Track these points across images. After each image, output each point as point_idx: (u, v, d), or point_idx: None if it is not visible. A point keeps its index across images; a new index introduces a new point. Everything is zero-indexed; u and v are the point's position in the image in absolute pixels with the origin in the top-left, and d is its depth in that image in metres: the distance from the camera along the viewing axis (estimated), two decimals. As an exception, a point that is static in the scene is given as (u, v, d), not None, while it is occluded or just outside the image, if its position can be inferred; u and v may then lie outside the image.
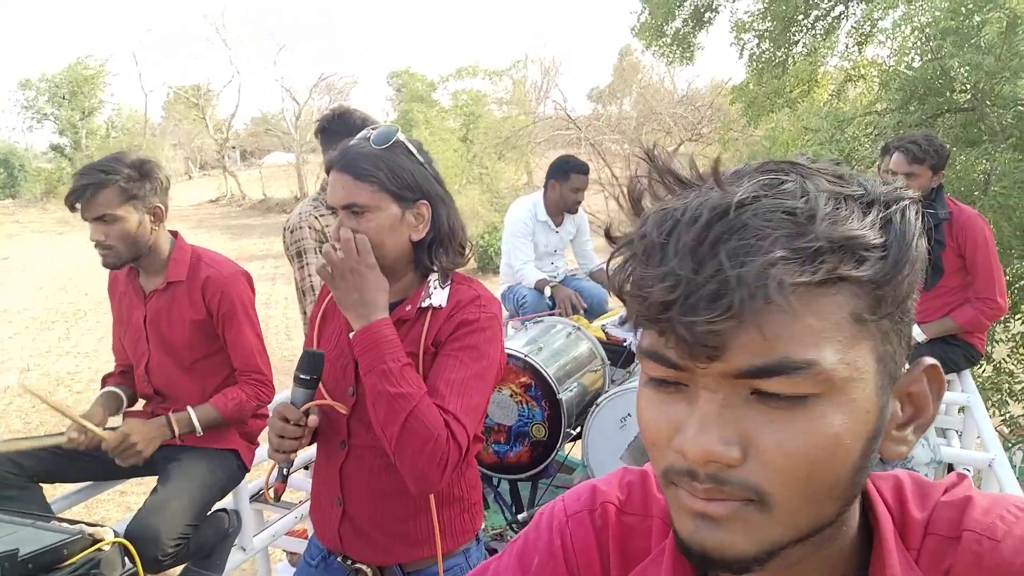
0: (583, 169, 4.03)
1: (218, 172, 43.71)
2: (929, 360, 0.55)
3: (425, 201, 1.51)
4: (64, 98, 39.67)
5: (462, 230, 1.58)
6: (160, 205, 2.14)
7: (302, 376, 1.45)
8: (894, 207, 0.50)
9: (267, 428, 1.49)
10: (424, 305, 1.50)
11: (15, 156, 39.78)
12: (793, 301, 0.46)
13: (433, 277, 1.53)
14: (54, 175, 39.22)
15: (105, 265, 2.12)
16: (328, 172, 1.53)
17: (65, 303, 18.37)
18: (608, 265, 0.55)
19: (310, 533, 2.88)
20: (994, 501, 0.56)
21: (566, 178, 4.01)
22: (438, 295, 1.51)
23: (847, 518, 0.55)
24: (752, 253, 0.46)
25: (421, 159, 1.52)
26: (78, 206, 2.02)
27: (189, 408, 2.11)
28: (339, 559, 1.59)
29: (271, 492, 1.48)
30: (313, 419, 1.47)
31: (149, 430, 2.04)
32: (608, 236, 0.58)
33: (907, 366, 0.55)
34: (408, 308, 1.51)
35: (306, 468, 2.95)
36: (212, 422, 2.13)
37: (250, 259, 21.58)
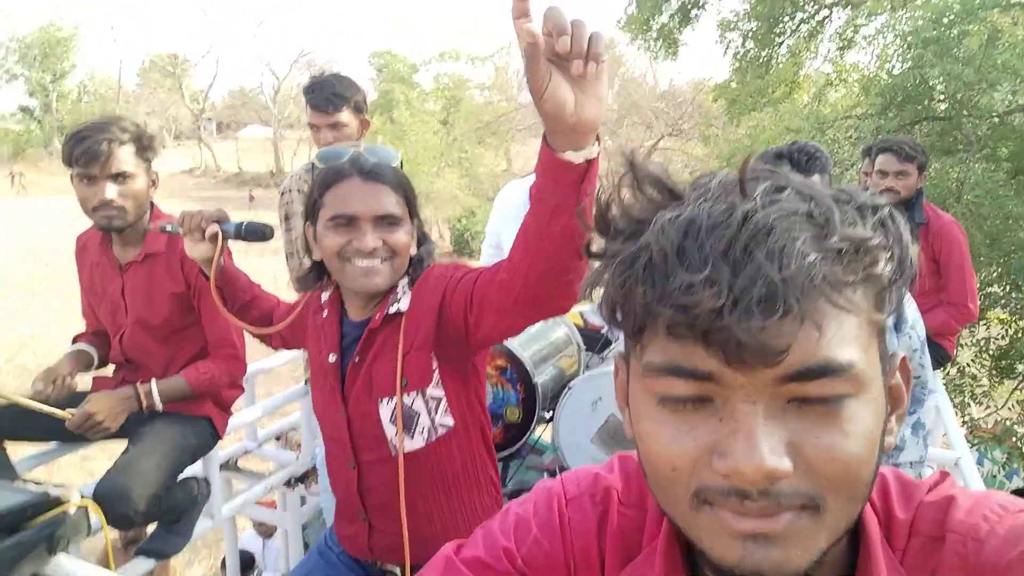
0: None
1: (193, 143, 43.04)
2: (901, 353, 0.57)
3: (416, 218, 1.52)
4: (35, 59, 38.68)
5: (429, 242, 1.60)
6: (156, 172, 2.12)
7: (246, 229, 1.61)
8: (881, 211, 0.51)
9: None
10: (392, 311, 1.48)
11: (-19, 115, 38.72)
12: (836, 297, 0.46)
13: (402, 283, 1.51)
14: (22, 137, 38.29)
15: (108, 228, 2.04)
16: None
17: (29, 267, 17.96)
18: (608, 280, 0.52)
19: (280, 506, 2.88)
20: (977, 500, 0.56)
21: None
22: (404, 299, 1.49)
23: None
24: (788, 255, 0.45)
25: None
26: (93, 163, 1.94)
27: (154, 381, 2.06)
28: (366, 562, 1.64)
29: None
30: (213, 228, 1.58)
31: (114, 404, 1.98)
32: (589, 252, 0.56)
33: None
34: (376, 317, 1.48)
35: (277, 439, 2.93)
36: (181, 394, 2.09)
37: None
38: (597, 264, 0.55)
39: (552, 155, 0.99)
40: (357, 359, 1.50)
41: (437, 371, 1.48)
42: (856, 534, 0.56)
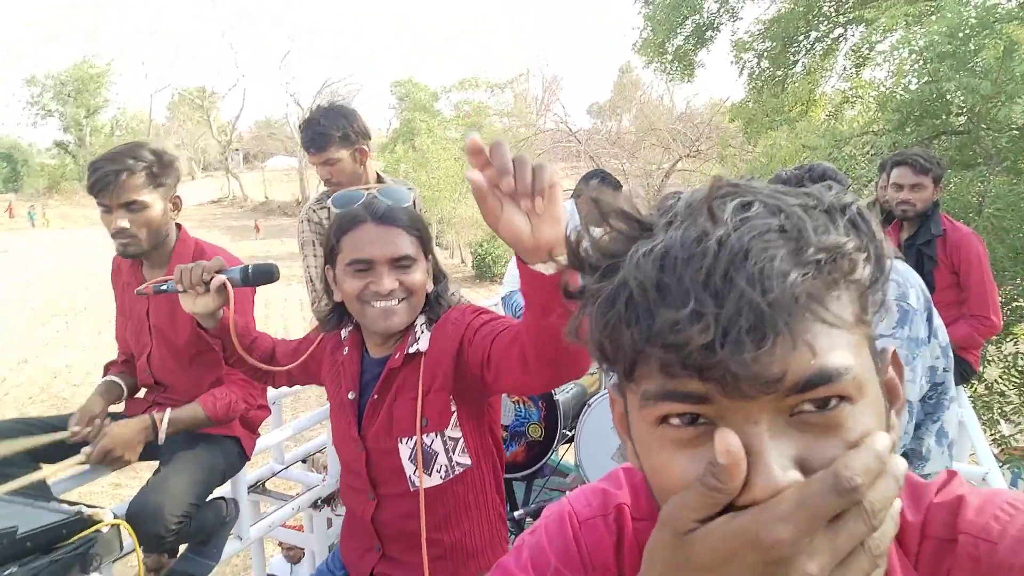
0: (615, 188, 4.07)
1: (221, 173, 43.87)
2: (892, 348, 0.56)
3: (431, 254, 1.56)
4: (69, 95, 39.82)
5: (445, 277, 1.63)
6: (178, 196, 2.16)
7: (252, 273, 1.60)
8: (849, 210, 0.50)
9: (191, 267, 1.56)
10: (412, 351, 1.52)
11: (18, 151, 39.95)
12: (823, 312, 0.46)
13: (420, 322, 1.55)
14: (57, 171, 39.34)
15: (124, 255, 2.10)
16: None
17: (64, 297, 18.37)
18: (592, 321, 0.51)
19: (307, 528, 2.92)
20: (986, 499, 0.55)
21: None
22: (424, 339, 1.53)
23: None
24: (768, 276, 0.44)
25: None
26: (105, 193, 1.98)
27: (168, 411, 2.05)
28: None
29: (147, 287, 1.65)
30: (219, 279, 1.55)
31: (130, 435, 2.00)
32: (567, 293, 0.55)
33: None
34: (396, 356, 1.53)
35: (303, 461, 2.98)
36: (198, 423, 2.09)
37: (250, 260, 21.55)
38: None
39: (525, 267, 1.02)
40: (376, 397, 1.54)
41: (455, 413, 1.52)
42: None
